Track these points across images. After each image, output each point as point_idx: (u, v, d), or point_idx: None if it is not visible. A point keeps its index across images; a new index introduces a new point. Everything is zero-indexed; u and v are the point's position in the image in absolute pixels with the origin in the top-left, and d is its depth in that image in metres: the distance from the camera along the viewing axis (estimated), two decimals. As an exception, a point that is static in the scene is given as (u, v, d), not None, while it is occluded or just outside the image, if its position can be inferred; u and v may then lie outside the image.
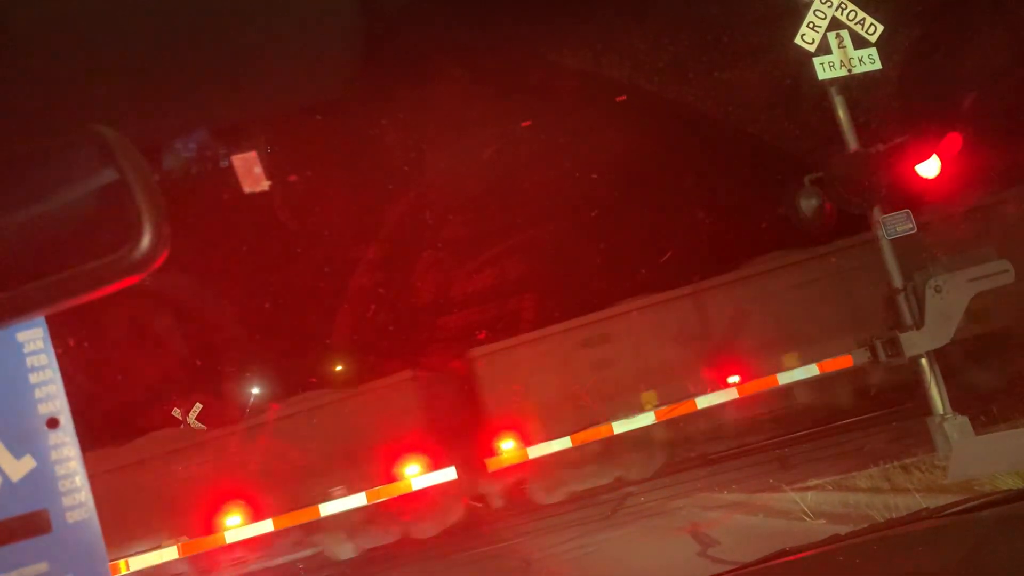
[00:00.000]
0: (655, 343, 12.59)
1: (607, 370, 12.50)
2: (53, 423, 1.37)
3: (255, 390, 19.83)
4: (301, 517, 11.82)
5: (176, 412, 17.77)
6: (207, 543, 11.71)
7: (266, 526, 11.71)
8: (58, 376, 1.38)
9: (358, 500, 11.67)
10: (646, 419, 11.58)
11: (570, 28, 11.05)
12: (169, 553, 11.37)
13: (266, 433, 12.94)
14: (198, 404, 17.74)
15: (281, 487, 12.30)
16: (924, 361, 8.49)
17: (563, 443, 11.74)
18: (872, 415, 12.52)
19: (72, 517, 1.36)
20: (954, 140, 8.08)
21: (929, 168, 8.16)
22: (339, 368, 21.26)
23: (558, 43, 11.17)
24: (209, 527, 11.90)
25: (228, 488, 12.27)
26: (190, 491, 12.29)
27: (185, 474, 12.53)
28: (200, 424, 17.48)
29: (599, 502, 11.98)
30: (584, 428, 11.84)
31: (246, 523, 11.83)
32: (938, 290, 8.40)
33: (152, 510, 11.94)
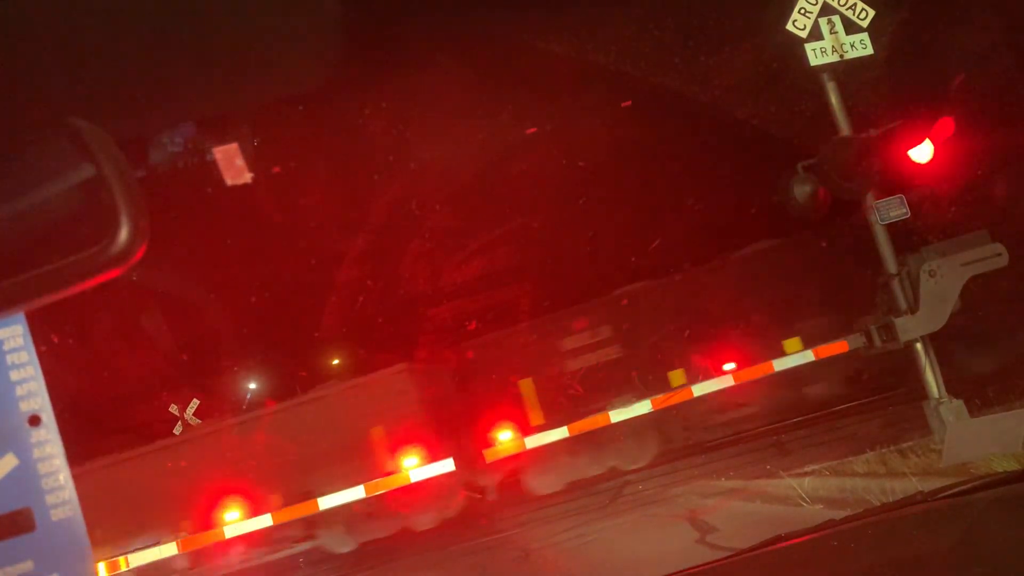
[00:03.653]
0: (650, 331, 12.59)
1: (602, 359, 12.51)
2: (35, 420, 1.36)
3: (251, 385, 19.83)
4: (300, 511, 11.82)
5: (173, 408, 17.77)
6: (206, 538, 11.71)
7: (265, 520, 11.72)
8: (39, 373, 1.37)
9: (356, 493, 11.67)
10: (642, 408, 11.58)
11: (557, 14, 10.99)
12: (168, 549, 11.37)
13: (263, 428, 12.94)
14: (195, 400, 17.75)
15: (279, 481, 12.30)
16: (919, 345, 8.52)
17: (560, 433, 11.74)
18: (868, 400, 12.56)
19: (56, 515, 1.34)
20: (947, 124, 8.08)
21: (922, 153, 8.16)
22: (335, 362, 21.29)
23: (545, 29, 11.11)
24: (208, 522, 11.89)
25: (226, 483, 12.26)
26: (188, 487, 12.28)
27: (183, 470, 12.52)
28: (197, 420, 17.49)
29: (597, 491, 12.00)
30: (581, 418, 11.84)
31: (245, 518, 11.83)
32: (932, 274, 8.42)
33: (150, 507, 11.94)
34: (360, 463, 12.17)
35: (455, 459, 11.80)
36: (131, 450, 13.37)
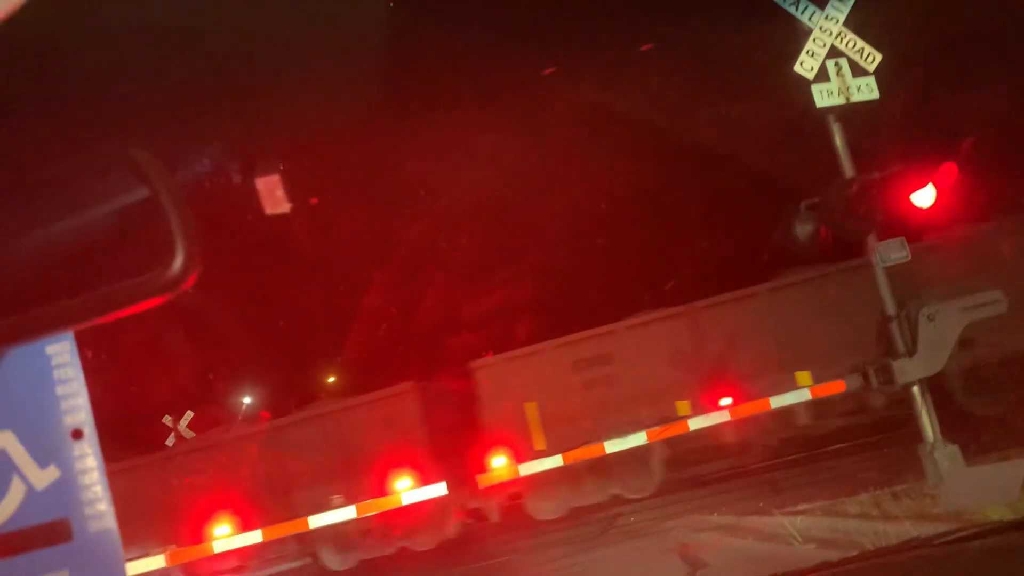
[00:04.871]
0: (650, 363, 12.63)
1: (601, 388, 12.52)
2: (77, 434, 1.41)
3: (247, 399, 19.82)
4: (290, 528, 11.77)
5: (167, 419, 17.77)
6: (195, 552, 11.66)
7: (255, 536, 11.67)
8: (84, 388, 1.42)
9: (348, 513, 11.64)
10: (638, 439, 11.59)
11: (586, 66, 11.29)
12: (157, 561, 11.32)
13: (259, 442, 12.92)
14: (189, 412, 17.76)
15: (272, 497, 12.27)
16: (916, 388, 8.53)
17: (555, 461, 11.74)
18: (863, 441, 12.57)
19: (93, 527, 1.40)
20: (949, 170, 8.14)
21: (924, 197, 8.22)
22: (331, 379, 21.31)
23: (574, 79, 11.41)
24: (198, 536, 11.84)
25: (219, 497, 12.22)
26: (180, 499, 12.25)
27: (176, 482, 12.49)
28: (191, 432, 17.49)
29: (590, 521, 11.97)
30: (577, 446, 11.85)
31: (235, 533, 11.79)
32: (931, 318, 8.44)
33: (141, 517, 11.89)
34: (353, 482, 12.17)
35: (448, 483, 11.80)
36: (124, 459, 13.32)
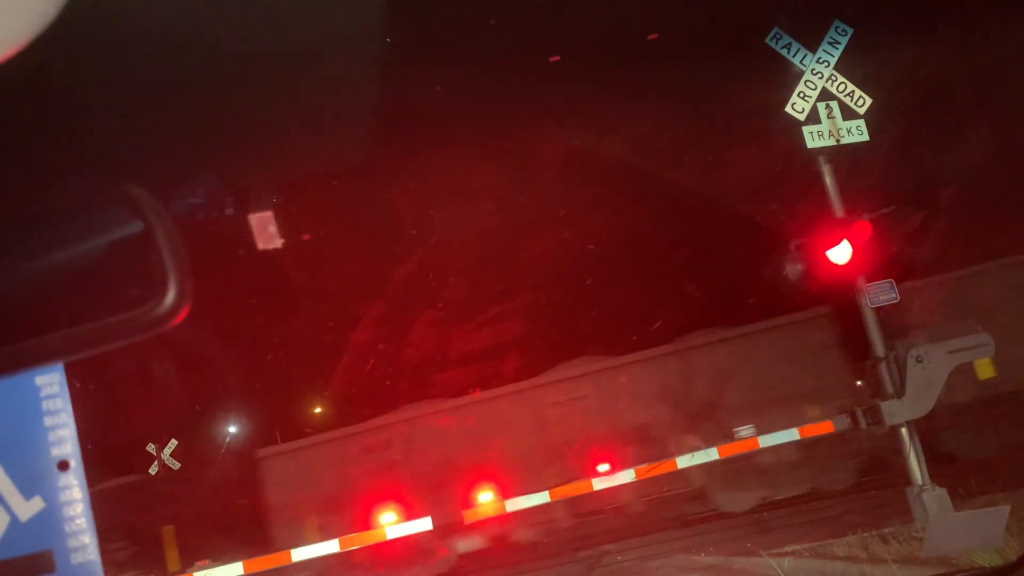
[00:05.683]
0: (638, 401, 12.61)
1: (589, 426, 12.49)
2: (64, 465, 1.39)
3: (232, 429, 19.70)
4: (272, 562, 11.60)
5: (151, 447, 17.59)
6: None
7: (236, 569, 11.49)
8: (72, 420, 1.40)
9: (331, 547, 11.48)
10: (626, 477, 11.51)
11: (578, 113, 11.48)
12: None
13: (244, 474, 12.81)
14: (173, 440, 17.59)
15: (255, 529, 12.13)
16: (904, 430, 8.52)
17: (542, 497, 11.63)
18: (851, 482, 12.53)
19: (76, 559, 1.37)
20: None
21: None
22: (318, 410, 21.22)
23: (567, 125, 11.60)
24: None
25: (201, 529, 12.08)
26: (161, 529, 12.10)
27: (158, 512, 12.35)
28: (175, 461, 17.31)
29: (575, 560, 11.86)
30: (564, 483, 11.76)
31: (216, 565, 11.61)
32: (919, 360, 8.45)
33: (122, 547, 11.74)
34: (338, 516, 12.05)
35: (433, 518, 11.68)
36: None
